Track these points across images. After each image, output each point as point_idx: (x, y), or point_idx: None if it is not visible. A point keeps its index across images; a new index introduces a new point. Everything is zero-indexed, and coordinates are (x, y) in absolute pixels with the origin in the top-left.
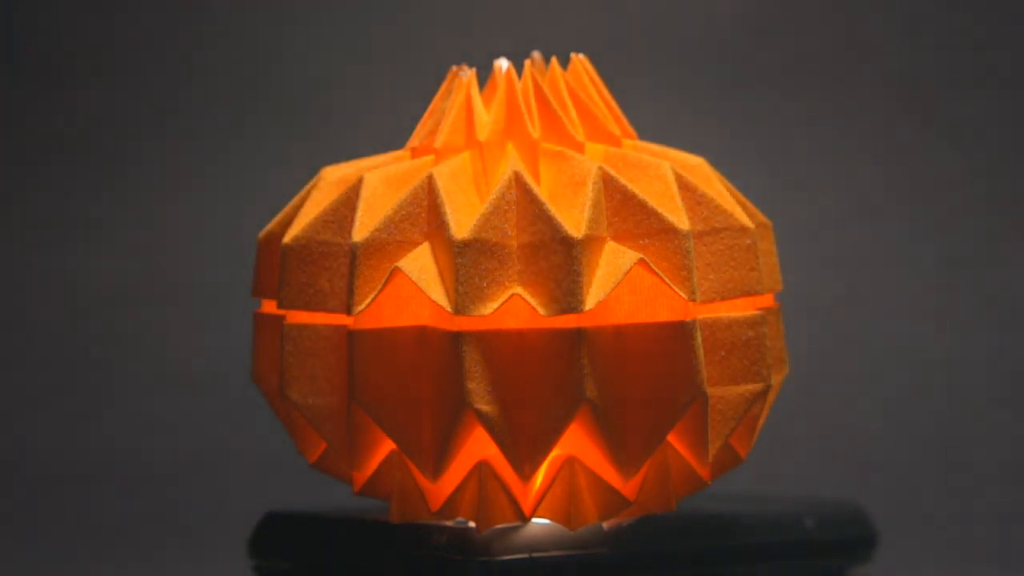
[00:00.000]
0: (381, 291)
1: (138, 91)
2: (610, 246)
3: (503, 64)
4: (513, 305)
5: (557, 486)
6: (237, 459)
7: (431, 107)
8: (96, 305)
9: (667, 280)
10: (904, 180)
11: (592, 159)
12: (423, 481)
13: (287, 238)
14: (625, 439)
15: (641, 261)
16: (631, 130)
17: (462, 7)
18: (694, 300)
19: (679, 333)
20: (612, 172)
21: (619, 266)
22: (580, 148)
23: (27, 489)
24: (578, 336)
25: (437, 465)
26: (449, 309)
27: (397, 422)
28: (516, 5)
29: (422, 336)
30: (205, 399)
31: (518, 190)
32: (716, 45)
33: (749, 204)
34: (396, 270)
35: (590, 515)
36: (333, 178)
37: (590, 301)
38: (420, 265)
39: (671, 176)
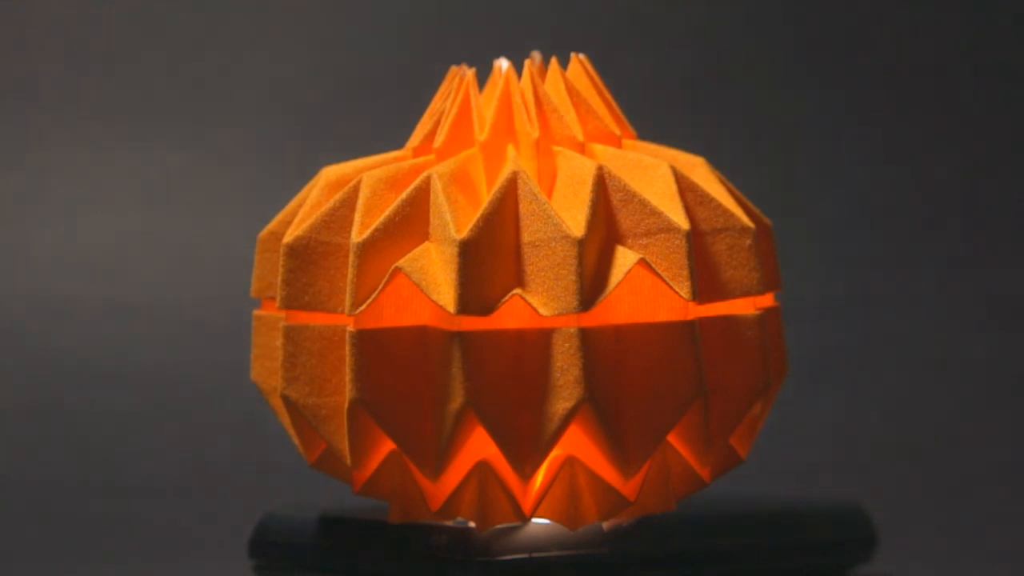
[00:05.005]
0: (381, 291)
1: (138, 90)
2: (610, 246)
3: (503, 64)
4: (513, 305)
5: (557, 486)
6: (237, 459)
7: (431, 107)
8: (97, 305)
9: (667, 280)
10: (904, 180)
11: (592, 159)
12: (423, 481)
13: (287, 238)
14: (625, 439)
15: (641, 261)
16: (631, 130)
17: (462, 7)
18: (694, 300)
19: (679, 333)
20: (612, 172)
21: (620, 266)
22: (580, 148)
23: (27, 491)
24: (578, 336)
25: (437, 465)
26: (450, 309)
27: (397, 422)
28: (516, 5)
29: (422, 336)
30: (205, 399)
31: (518, 190)
32: (717, 45)
33: (749, 204)
34: (396, 270)
35: (590, 515)
36: (333, 178)
37: (591, 301)
38: (420, 265)
39: (671, 176)
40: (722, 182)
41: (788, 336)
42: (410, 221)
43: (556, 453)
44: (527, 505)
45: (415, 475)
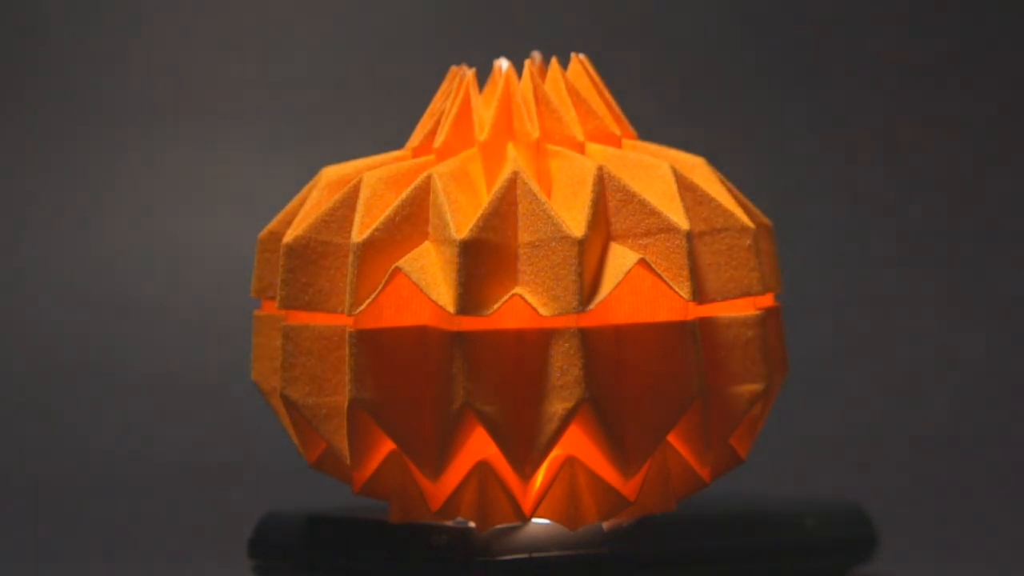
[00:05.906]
0: (381, 291)
1: (138, 90)
2: (610, 246)
3: (503, 64)
4: (513, 305)
5: (557, 486)
6: (237, 459)
7: (431, 107)
8: (97, 305)
9: (667, 280)
10: (904, 180)
11: (592, 159)
12: (423, 481)
13: (287, 238)
14: (625, 439)
15: (641, 261)
16: (631, 130)
17: (462, 7)
18: (694, 300)
19: (679, 333)
20: (612, 172)
21: (619, 266)
22: (580, 148)
23: (28, 490)
24: (578, 336)
25: (437, 465)
26: (450, 309)
27: (397, 422)
28: (516, 5)
29: (422, 336)
30: (205, 399)
31: (518, 190)
32: (716, 45)
33: (749, 204)
34: (396, 270)
35: (590, 515)
36: (333, 178)
37: (590, 301)
38: (420, 265)
39: (671, 176)
40: (722, 182)
41: (788, 336)
42: (410, 221)
43: (556, 453)
44: (527, 505)
45: (415, 475)
